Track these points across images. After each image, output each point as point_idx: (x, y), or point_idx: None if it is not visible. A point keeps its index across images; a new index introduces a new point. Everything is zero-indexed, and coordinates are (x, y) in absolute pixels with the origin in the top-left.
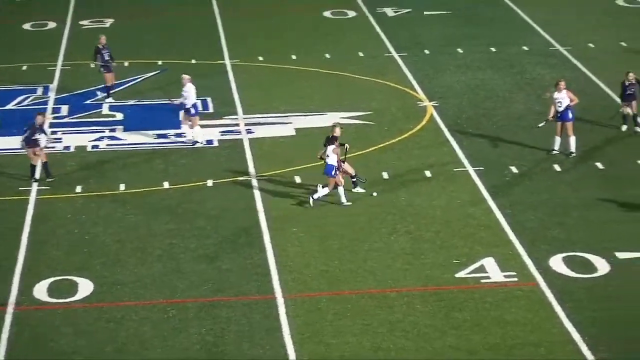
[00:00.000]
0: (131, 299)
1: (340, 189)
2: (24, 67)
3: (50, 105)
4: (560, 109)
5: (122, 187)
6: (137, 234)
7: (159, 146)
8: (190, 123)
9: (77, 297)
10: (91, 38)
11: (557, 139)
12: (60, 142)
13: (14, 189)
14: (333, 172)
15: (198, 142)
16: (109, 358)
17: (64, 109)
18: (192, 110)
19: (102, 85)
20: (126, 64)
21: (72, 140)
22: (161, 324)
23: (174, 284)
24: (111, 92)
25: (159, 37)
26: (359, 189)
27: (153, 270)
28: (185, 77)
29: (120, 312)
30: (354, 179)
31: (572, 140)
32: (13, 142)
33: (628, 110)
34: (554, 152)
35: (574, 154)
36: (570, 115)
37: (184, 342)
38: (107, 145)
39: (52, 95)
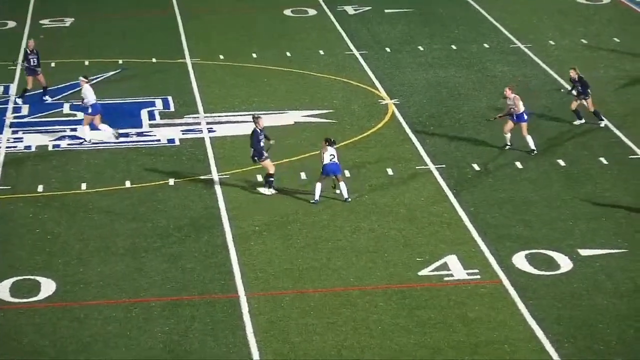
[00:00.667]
0: (95, 298)
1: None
2: None
3: (11, 105)
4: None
5: (83, 186)
6: (100, 233)
7: (120, 145)
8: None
9: (40, 296)
10: (51, 37)
11: (508, 135)
12: (22, 141)
13: None
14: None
15: (86, 140)
16: (73, 357)
17: (25, 109)
18: (90, 110)
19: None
20: (87, 63)
21: (33, 139)
22: (125, 322)
23: (138, 283)
24: (47, 90)
25: (119, 36)
26: (264, 190)
27: (116, 269)
28: (82, 79)
29: (84, 311)
30: (268, 179)
31: (529, 139)
32: None
33: (575, 105)
34: (508, 146)
35: (535, 152)
36: (526, 117)
37: (148, 341)
38: (69, 144)
39: (12, 95)
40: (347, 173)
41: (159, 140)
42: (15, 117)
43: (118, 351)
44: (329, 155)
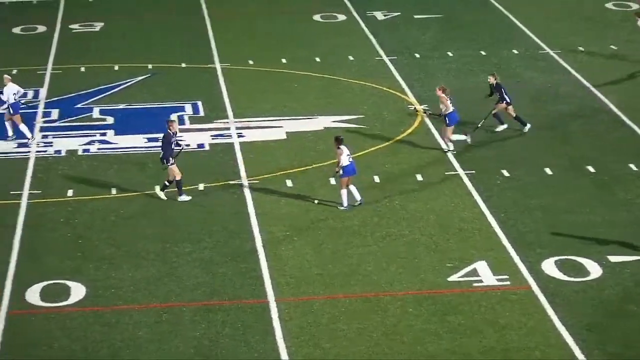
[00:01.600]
0: (125, 302)
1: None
2: (14, 71)
3: (41, 109)
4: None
5: (113, 191)
6: (130, 238)
7: (150, 150)
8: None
9: (70, 301)
10: (81, 42)
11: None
12: (51, 146)
13: (5, 193)
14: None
15: (30, 138)
16: None
17: (54, 113)
18: (11, 110)
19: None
20: (116, 67)
21: (63, 144)
22: (156, 327)
23: (168, 287)
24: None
25: (149, 41)
26: (162, 195)
27: (147, 274)
28: (6, 77)
29: (115, 316)
30: (168, 184)
31: (448, 140)
32: (4, 147)
33: (496, 110)
34: (449, 151)
35: (451, 151)
36: (449, 120)
37: (178, 346)
38: (98, 149)
39: (42, 99)
40: (376, 179)
41: (188, 145)
42: (45, 122)
43: (149, 356)
44: (346, 155)
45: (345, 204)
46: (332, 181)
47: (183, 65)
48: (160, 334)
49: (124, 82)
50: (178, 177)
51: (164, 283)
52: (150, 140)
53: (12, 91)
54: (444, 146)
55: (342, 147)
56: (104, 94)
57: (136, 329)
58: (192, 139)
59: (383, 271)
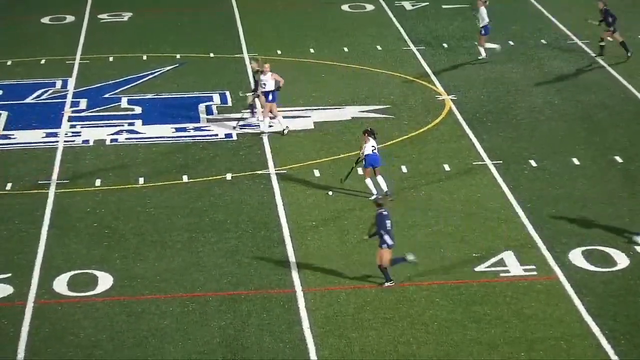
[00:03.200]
0: (151, 292)
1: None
2: (43, 61)
3: (69, 99)
4: (264, 90)
5: (141, 180)
6: (157, 227)
7: (177, 140)
8: None
9: (97, 290)
10: (110, 32)
11: (266, 120)
12: (79, 135)
13: (33, 182)
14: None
15: None
16: (130, 352)
17: (83, 103)
18: None
19: None
20: (144, 57)
21: (91, 134)
22: (182, 317)
23: (194, 277)
24: None
25: (176, 31)
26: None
27: (173, 264)
28: None
29: (141, 305)
30: None
31: (267, 120)
32: (33, 136)
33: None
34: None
35: (265, 134)
36: (271, 97)
37: (204, 336)
38: (126, 138)
39: (70, 89)
40: (404, 169)
41: (216, 135)
42: (73, 111)
43: (174, 346)
44: (370, 146)
45: (374, 191)
46: (359, 171)
47: (211, 55)
48: (185, 324)
49: (152, 71)
50: None
51: (190, 273)
52: (178, 130)
53: None
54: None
55: (370, 138)
56: (132, 84)
57: (162, 319)
58: (219, 129)
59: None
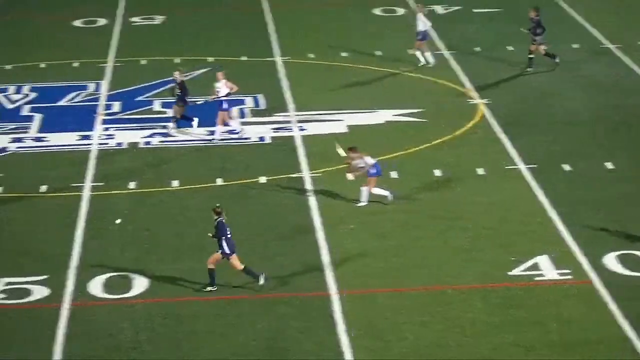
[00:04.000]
0: (187, 295)
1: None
2: (75, 64)
3: (102, 101)
4: (218, 97)
5: (175, 183)
6: (193, 230)
7: (211, 143)
8: None
9: (133, 293)
10: (142, 35)
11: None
12: (113, 138)
13: (68, 185)
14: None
15: None
16: (167, 353)
17: (116, 106)
18: None
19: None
20: (177, 60)
21: (125, 136)
22: (218, 320)
23: (231, 280)
24: None
25: (209, 35)
26: None
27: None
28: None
29: (177, 308)
30: None
31: (227, 128)
32: (67, 139)
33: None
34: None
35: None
36: (225, 106)
37: (240, 338)
38: (160, 141)
39: (103, 92)
40: (437, 172)
41: (249, 138)
42: (106, 114)
43: (210, 348)
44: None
45: (387, 193)
46: (395, 174)
47: (243, 58)
48: (222, 327)
49: (185, 75)
50: None
51: (226, 275)
52: (211, 133)
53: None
54: None
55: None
56: (165, 87)
57: (198, 321)
58: (252, 132)
59: (446, 264)
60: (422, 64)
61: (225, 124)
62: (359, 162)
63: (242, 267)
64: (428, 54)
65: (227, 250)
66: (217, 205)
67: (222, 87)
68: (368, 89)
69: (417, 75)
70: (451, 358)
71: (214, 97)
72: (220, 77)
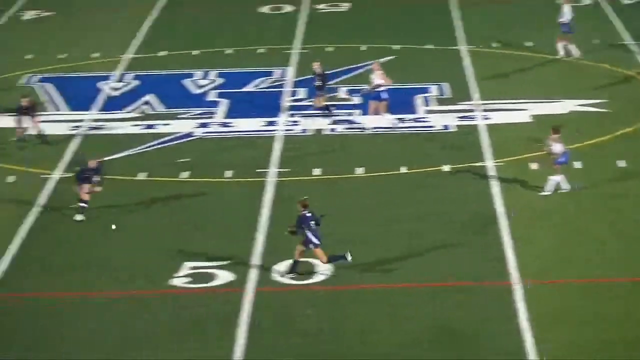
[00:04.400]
0: (363, 282)
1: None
2: (261, 50)
3: (288, 88)
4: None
5: (359, 170)
6: (378, 217)
7: (395, 131)
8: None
9: (316, 279)
10: (328, 22)
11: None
12: (298, 125)
13: (253, 170)
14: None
15: None
16: (351, 339)
17: (301, 92)
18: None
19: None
20: (363, 47)
21: (310, 123)
22: (393, 307)
23: (409, 267)
24: None
25: (394, 22)
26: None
27: (394, 253)
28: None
29: (355, 295)
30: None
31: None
32: (252, 124)
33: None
34: None
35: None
36: (385, 96)
37: (412, 326)
38: (345, 128)
39: (289, 79)
40: (621, 163)
41: (433, 126)
42: (292, 101)
43: (380, 335)
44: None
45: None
46: (578, 165)
47: (429, 46)
48: (396, 315)
49: (370, 62)
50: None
51: (408, 263)
52: (397, 120)
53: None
54: None
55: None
56: (350, 74)
57: (367, 308)
58: (437, 120)
59: (627, 255)
60: (561, 55)
61: (377, 114)
62: (555, 147)
63: (326, 259)
64: (573, 46)
65: (315, 241)
66: (305, 197)
67: (376, 79)
68: (552, 78)
69: (602, 65)
70: (629, 355)
71: (372, 87)
72: (376, 68)
